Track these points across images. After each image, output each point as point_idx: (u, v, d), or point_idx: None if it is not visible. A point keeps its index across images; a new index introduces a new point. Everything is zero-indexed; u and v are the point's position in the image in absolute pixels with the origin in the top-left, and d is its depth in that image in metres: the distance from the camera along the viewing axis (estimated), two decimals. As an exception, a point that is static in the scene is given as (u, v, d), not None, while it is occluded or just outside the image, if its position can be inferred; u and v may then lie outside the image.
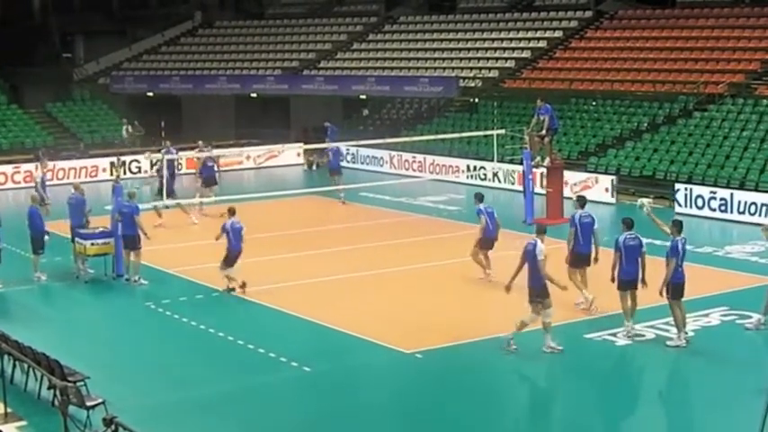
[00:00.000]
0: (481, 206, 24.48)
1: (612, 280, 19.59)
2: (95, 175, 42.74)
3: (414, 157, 43.05)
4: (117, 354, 19.91)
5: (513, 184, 38.01)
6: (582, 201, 22.29)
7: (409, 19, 56.81)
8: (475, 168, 40.09)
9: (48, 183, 33.32)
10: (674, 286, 18.97)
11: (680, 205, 32.95)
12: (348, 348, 19.71)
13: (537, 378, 19.07)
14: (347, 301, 23.08)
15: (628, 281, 19.49)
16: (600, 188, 35.69)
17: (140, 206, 25.40)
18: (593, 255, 21.40)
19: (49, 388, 16.04)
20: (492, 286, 23.89)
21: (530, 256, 18.83)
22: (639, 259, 19.46)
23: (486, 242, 24.32)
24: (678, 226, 19.46)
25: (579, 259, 21.57)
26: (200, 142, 36.76)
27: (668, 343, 19.28)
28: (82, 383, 15.76)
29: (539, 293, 18.76)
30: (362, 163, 45.70)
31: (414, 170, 42.86)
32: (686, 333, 19.34)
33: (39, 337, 18.72)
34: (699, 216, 32.07)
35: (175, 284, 24.62)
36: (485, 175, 39.15)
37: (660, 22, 47.17)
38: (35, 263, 24.82)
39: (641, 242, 19.59)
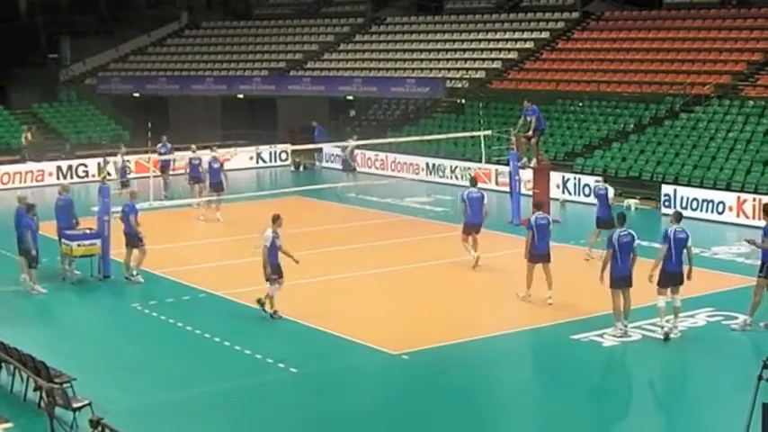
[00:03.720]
0: (465, 192, 25.78)
1: (601, 278, 19.70)
2: (41, 180, 42.06)
3: (376, 155, 43.40)
4: (103, 355, 19.86)
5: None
6: (473, 182, 26.42)
7: (396, 20, 56.83)
8: (434, 166, 41.32)
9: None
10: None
11: (666, 206, 33.11)
12: (335, 350, 19.71)
13: (525, 379, 19.09)
14: (334, 302, 23.06)
15: (623, 277, 19.62)
16: (551, 185, 35.83)
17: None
18: (482, 223, 25.64)
19: (35, 389, 15.99)
20: (479, 287, 23.96)
21: (682, 243, 19.53)
22: (632, 255, 19.73)
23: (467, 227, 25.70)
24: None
25: (470, 227, 25.55)
26: (192, 146, 36.50)
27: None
28: (68, 385, 15.75)
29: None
30: (326, 161, 46.14)
31: (376, 168, 43.25)
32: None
33: (25, 338, 18.69)
34: (685, 217, 32.10)
35: (162, 286, 24.58)
36: (443, 172, 40.70)
37: (647, 23, 47.28)
38: (22, 264, 24.68)
39: (634, 237, 19.68)
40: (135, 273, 24.89)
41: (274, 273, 21.24)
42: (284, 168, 46.50)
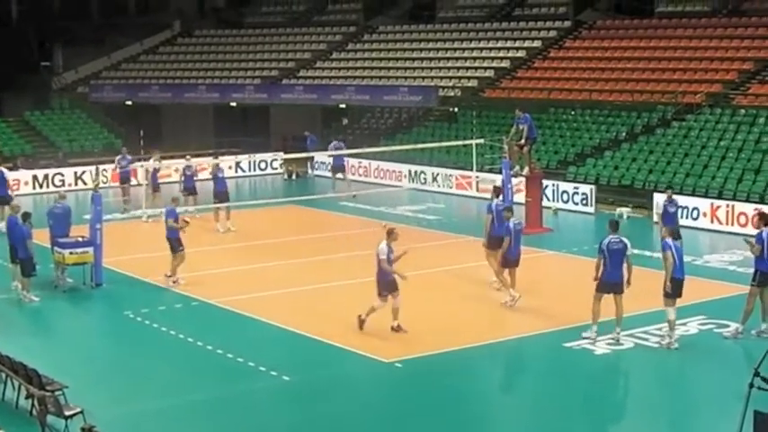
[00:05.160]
0: (492, 203, 24.84)
1: (596, 279, 19.89)
2: (17, 188, 40.12)
3: (360, 162, 43.75)
4: (95, 363, 19.84)
5: (450, 188, 39.69)
6: (497, 190, 26.06)
7: (389, 28, 56.89)
8: (416, 173, 41.87)
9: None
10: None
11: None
12: (327, 357, 19.70)
13: (518, 387, 19.13)
14: (326, 310, 23.05)
15: (610, 283, 19.79)
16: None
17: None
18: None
19: (26, 397, 15.97)
20: (470, 295, 23.94)
21: (681, 252, 19.93)
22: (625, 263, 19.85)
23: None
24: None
25: (496, 242, 23.72)
26: (187, 155, 36.45)
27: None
28: (60, 393, 15.69)
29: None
30: (314, 168, 46.42)
31: (360, 175, 43.63)
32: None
33: (17, 346, 18.65)
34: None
35: (155, 294, 24.56)
36: (425, 179, 41.33)
37: (639, 32, 47.39)
38: (14, 272, 24.64)
39: (626, 245, 19.81)
40: (175, 279, 25.03)
41: (391, 287, 20.52)
42: (263, 177, 46.42)
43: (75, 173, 43.04)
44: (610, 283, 19.74)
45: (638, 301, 20.69)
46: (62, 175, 42.93)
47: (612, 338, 19.90)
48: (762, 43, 42.20)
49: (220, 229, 31.79)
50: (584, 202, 35.58)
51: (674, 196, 28.44)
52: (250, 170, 46.56)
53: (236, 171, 45.94)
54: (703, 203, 32.43)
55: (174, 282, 25.05)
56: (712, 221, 31.78)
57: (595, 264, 19.89)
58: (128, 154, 37.42)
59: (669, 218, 26.77)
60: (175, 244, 25.11)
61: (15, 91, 54.19)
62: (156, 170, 35.29)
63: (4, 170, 34.51)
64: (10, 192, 33.25)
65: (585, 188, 36.11)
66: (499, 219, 24.22)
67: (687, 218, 32.02)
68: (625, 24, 48.91)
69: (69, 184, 41.81)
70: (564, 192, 36.18)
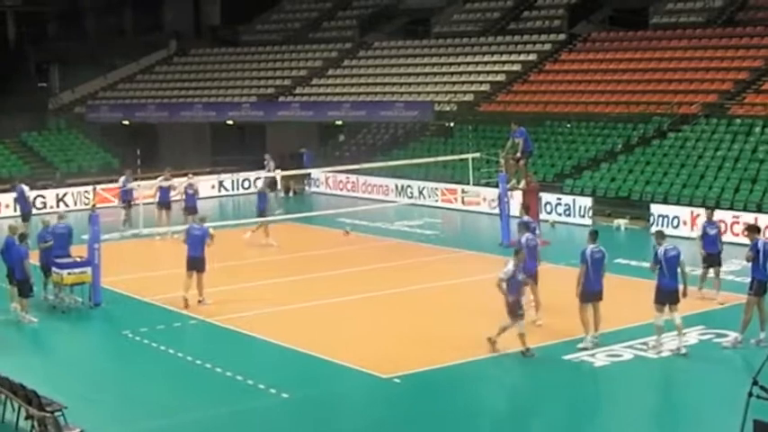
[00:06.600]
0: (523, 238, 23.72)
1: (578, 288, 20.06)
2: None
3: (347, 178, 44.18)
4: (94, 383, 19.80)
5: (436, 200, 40.27)
6: (526, 210, 25.79)
7: (384, 44, 57.01)
8: (402, 188, 42.41)
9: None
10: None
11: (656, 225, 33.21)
12: (326, 374, 19.67)
13: (517, 401, 19.07)
14: (325, 326, 23.03)
15: (593, 292, 20.05)
16: (485, 205, 37.44)
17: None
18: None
19: (26, 418, 15.95)
20: (469, 309, 23.92)
21: (674, 260, 19.69)
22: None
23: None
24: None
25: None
26: (189, 173, 36.47)
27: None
28: (59, 413, 15.66)
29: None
30: (315, 186, 46.80)
31: (348, 190, 44.23)
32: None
33: (16, 367, 18.58)
34: (675, 236, 32.19)
35: (153, 313, 24.53)
36: (411, 193, 41.88)
37: (633, 44, 47.50)
38: (12, 293, 24.62)
39: (605, 254, 20.17)
40: (202, 297, 24.92)
41: (519, 308, 20.12)
42: (246, 197, 46.50)
43: (57, 194, 42.90)
44: (593, 291, 20.01)
45: (636, 313, 20.69)
46: (44, 197, 42.57)
47: (596, 343, 20.09)
48: (756, 53, 42.33)
49: (274, 243, 32.02)
50: (568, 213, 35.72)
51: (715, 214, 26.02)
52: (233, 189, 46.59)
53: (219, 190, 45.98)
54: (683, 212, 32.59)
55: (200, 301, 24.91)
56: (692, 229, 31.73)
57: (579, 273, 20.02)
58: (131, 176, 37.38)
59: (710, 241, 24.18)
60: (203, 264, 24.98)
61: (12, 112, 54.15)
62: (164, 188, 35.26)
63: (24, 187, 34.85)
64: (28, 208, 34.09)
65: (568, 199, 36.49)
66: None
67: (668, 226, 32.11)
68: (620, 36, 49.01)
69: (51, 207, 41.37)
70: (547, 203, 36.35)
